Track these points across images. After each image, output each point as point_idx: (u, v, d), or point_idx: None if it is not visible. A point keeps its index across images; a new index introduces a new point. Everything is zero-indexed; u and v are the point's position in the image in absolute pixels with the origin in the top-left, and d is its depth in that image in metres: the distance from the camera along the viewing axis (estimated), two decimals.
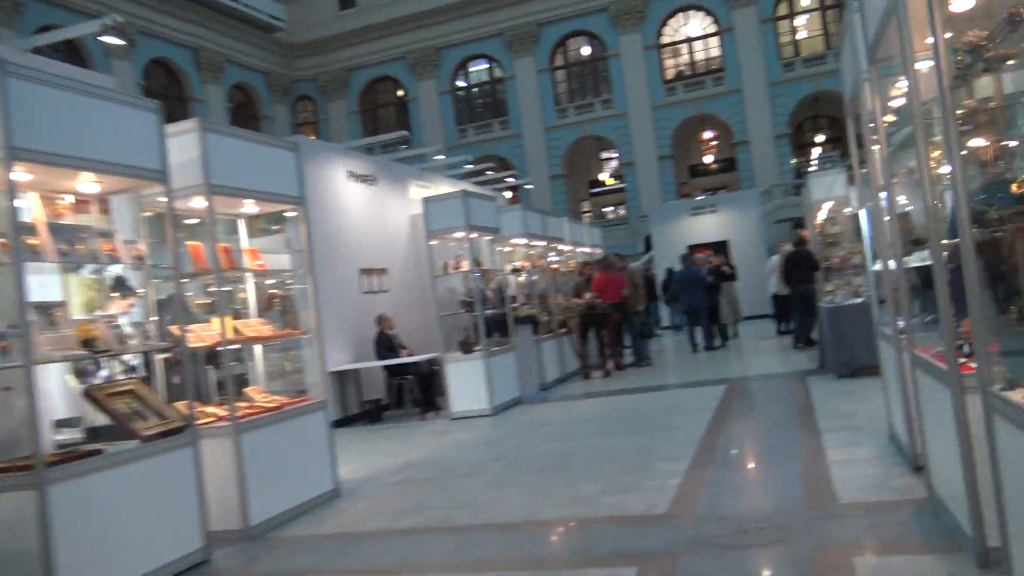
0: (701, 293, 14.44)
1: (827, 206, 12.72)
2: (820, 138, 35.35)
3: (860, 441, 5.96)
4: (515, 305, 11.89)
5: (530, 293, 13.36)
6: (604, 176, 39.06)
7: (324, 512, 5.79)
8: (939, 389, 3.66)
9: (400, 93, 38.55)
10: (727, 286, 15.44)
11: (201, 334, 5.51)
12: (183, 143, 5.35)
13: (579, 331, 12.79)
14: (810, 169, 29.58)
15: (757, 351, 13.77)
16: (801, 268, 12.07)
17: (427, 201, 10.38)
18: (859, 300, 9.22)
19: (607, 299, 12.54)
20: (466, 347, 10.09)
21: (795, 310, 12.97)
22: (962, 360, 3.34)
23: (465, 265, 10.35)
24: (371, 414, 10.65)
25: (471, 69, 37.94)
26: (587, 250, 16.24)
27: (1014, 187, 2.52)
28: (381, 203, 12.02)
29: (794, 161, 33.73)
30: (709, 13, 34.19)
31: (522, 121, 36.12)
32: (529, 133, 35.98)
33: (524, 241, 12.83)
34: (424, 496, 5.98)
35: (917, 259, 4.52)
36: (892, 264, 4.74)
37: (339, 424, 9.85)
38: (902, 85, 4.67)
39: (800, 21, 34.16)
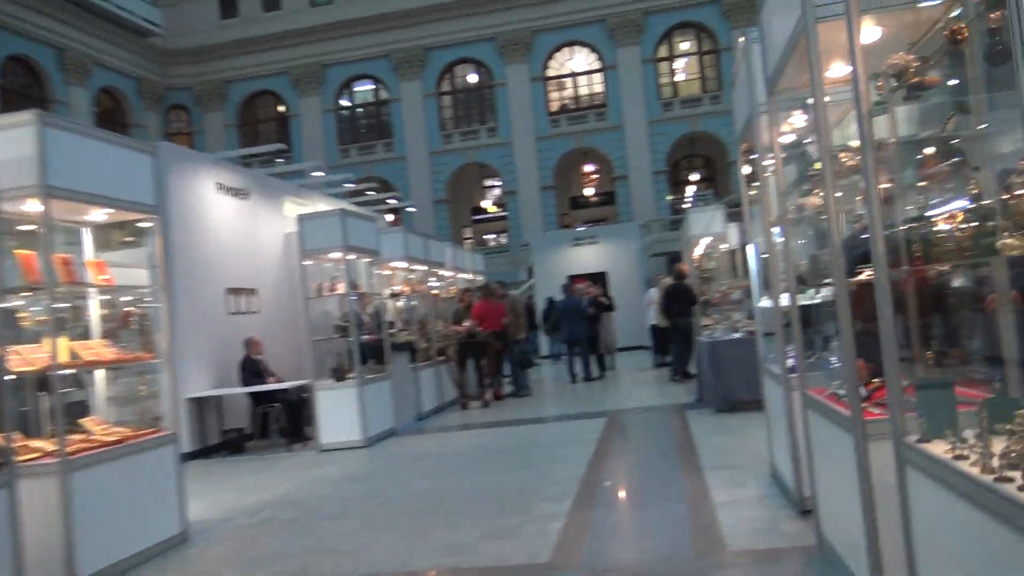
0: (582, 323, 14.41)
1: (704, 241, 12.96)
2: (695, 176, 36.59)
3: (744, 480, 5.83)
4: (392, 331, 11.43)
5: (409, 319, 12.91)
6: (487, 203, 39.04)
7: (168, 560, 5.14)
8: (836, 433, 3.50)
9: (281, 108, 37.38)
10: (605, 317, 15.48)
11: (29, 356, 4.81)
12: (16, 138, 4.68)
13: (458, 359, 12.41)
14: (684, 205, 30.48)
15: (636, 383, 13.77)
16: (680, 301, 12.16)
17: (303, 218, 9.82)
18: (738, 335, 9.27)
19: (487, 327, 12.25)
20: (339, 374, 9.54)
21: (674, 342, 13.06)
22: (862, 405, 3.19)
23: (341, 287, 9.84)
24: (233, 444, 9.88)
25: (356, 89, 37.24)
26: (468, 277, 15.94)
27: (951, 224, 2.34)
28: (253, 219, 11.30)
29: (670, 197, 34.72)
30: (594, 50, 34.92)
31: (407, 144, 35.68)
32: (413, 156, 35.56)
33: (404, 265, 12.40)
34: (284, 541, 5.43)
35: (806, 298, 4.43)
36: (784, 300, 4.63)
37: (196, 455, 9.10)
38: (796, 119, 4.62)
39: (679, 64, 35.39)
